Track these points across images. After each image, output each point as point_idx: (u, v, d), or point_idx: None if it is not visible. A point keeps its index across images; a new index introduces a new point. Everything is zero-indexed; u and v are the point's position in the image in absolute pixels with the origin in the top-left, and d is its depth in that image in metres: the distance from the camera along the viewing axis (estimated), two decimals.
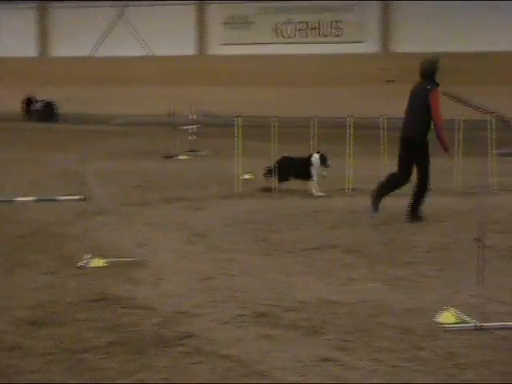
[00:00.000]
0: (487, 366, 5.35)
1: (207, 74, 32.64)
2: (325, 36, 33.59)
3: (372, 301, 6.84)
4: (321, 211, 11.34)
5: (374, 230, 9.92)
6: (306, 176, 12.91)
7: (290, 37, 33.91)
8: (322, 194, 12.75)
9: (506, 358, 5.51)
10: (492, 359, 5.47)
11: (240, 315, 6.38)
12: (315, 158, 12.93)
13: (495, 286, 7.16)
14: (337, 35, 33.42)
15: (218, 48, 34.48)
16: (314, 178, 12.89)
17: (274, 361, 5.39)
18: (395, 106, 26.84)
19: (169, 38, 33.87)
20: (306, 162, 12.93)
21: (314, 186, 12.82)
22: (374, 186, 10.98)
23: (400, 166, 10.40)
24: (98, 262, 8.02)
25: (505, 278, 7.55)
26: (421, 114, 10.10)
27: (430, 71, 10.16)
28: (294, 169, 12.99)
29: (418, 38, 30.98)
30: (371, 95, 29.49)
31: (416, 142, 10.24)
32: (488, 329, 6.05)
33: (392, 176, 10.62)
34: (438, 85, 10.34)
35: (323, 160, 12.97)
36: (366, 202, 12.01)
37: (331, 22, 33.45)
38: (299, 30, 33.89)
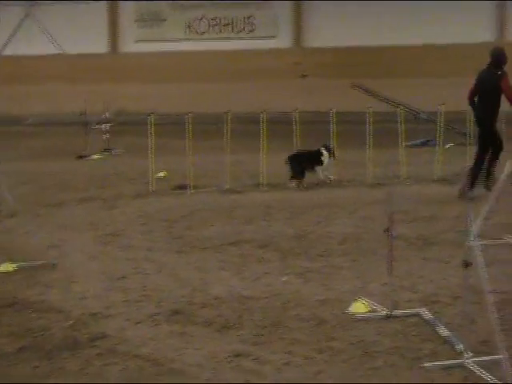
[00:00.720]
0: (397, 352, 5.48)
1: (120, 71, 32.26)
2: (238, 32, 33.65)
3: (286, 294, 6.90)
4: (236, 207, 11.37)
5: (287, 224, 10.00)
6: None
7: (203, 33, 33.83)
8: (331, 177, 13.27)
9: (415, 343, 5.65)
10: (402, 345, 5.60)
11: (154, 314, 6.35)
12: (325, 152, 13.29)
13: (405, 275, 7.34)
14: (250, 31, 33.52)
15: (132, 45, 34.12)
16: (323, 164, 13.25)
17: (187, 358, 5.38)
18: (308, 101, 27.21)
19: (81, 35, 33.30)
20: (317, 154, 13.25)
21: (320, 171, 13.21)
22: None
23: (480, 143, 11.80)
24: (7, 267, 7.84)
25: (414, 266, 7.74)
26: (491, 98, 11.49)
27: (499, 60, 11.52)
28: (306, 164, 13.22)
29: (331, 33, 31.39)
30: (284, 90, 29.68)
31: (487, 126, 11.66)
32: (398, 316, 6.19)
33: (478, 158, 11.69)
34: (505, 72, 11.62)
35: (330, 154, 13.37)
36: (280, 196, 12.16)
37: (244, 17, 33.54)
38: (212, 26, 33.85)
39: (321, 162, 13.23)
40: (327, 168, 13.39)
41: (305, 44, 32.94)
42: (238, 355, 5.45)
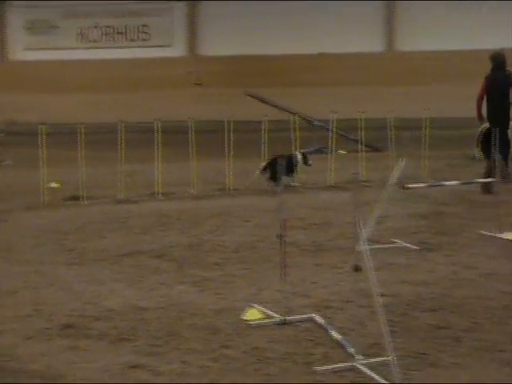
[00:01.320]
0: (291, 358, 5.56)
1: (9, 80, 31.41)
2: (132, 40, 33.39)
3: (181, 304, 6.89)
4: (130, 217, 11.26)
5: (183, 234, 9.98)
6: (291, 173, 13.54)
7: (95, 41, 33.39)
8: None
9: (308, 348, 5.74)
10: (295, 351, 5.68)
11: (45, 328, 6.21)
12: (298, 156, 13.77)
13: (299, 281, 7.45)
14: (144, 39, 33.32)
15: (21, 53, 33.31)
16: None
17: (80, 372, 5.29)
18: (203, 109, 27.20)
19: None
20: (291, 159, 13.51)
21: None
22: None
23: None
24: None
25: (307, 272, 7.87)
26: (504, 99, 12.36)
27: (503, 62, 12.40)
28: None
29: (226, 42, 31.57)
30: (179, 99, 29.63)
31: (503, 124, 12.32)
32: (292, 322, 6.28)
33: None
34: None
35: (304, 158, 13.78)
36: (176, 205, 12.12)
37: (138, 26, 33.31)
38: (105, 34, 33.46)
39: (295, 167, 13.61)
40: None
41: (200, 53, 33.00)
42: (132, 367, 5.40)
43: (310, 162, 13.91)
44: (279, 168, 12.60)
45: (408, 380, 5.09)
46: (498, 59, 12.70)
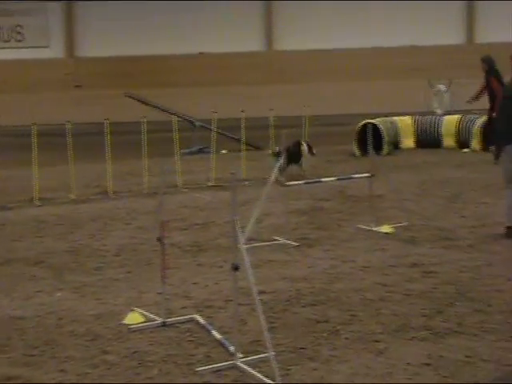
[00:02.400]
0: (172, 359, 5.52)
1: None
2: (6, 41, 32.40)
3: (60, 311, 6.73)
4: (6, 224, 10.90)
5: (62, 239, 9.76)
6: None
7: None
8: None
9: (189, 349, 5.72)
10: (176, 353, 5.65)
11: None
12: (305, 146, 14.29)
13: (180, 282, 7.43)
14: (19, 40, 32.39)
15: None
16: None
17: None
18: (83, 111, 26.71)
19: None
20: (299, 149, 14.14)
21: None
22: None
23: None
24: None
25: (189, 272, 7.85)
26: None
27: (493, 65, 12.08)
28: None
29: (104, 42, 31.12)
30: (57, 101, 29.00)
31: None
32: (173, 324, 6.25)
33: None
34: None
35: (310, 149, 14.30)
36: (54, 210, 11.83)
37: (12, 26, 32.34)
38: None
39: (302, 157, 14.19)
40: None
41: (78, 54, 32.40)
42: (8, 378, 5.23)
43: (315, 151, 14.48)
44: (291, 156, 13.49)
45: (286, 375, 5.16)
46: (489, 63, 12.91)
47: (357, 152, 16.95)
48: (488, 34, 29.40)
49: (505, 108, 8.91)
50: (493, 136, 9.90)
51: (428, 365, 5.32)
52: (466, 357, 5.44)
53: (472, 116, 18.16)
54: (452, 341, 5.77)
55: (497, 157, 9.56)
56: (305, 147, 14.29)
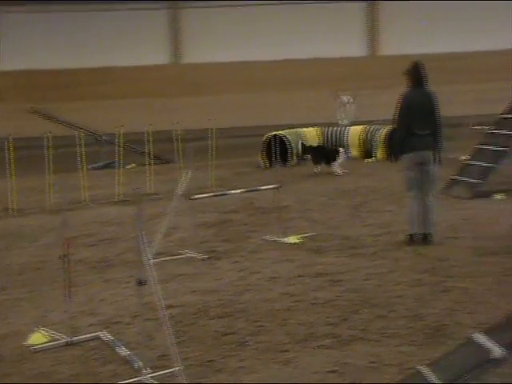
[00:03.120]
0: (77, 378, 5.44)
1: None
2: None
3: None
4: None
5: None
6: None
7: None
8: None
9: (96, 367, 5.65)
10: (82, 371, 5.57)
11: None
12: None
13: (86, 299, 7.33)
14: None
15: None
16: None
17: None
18: None
19: None
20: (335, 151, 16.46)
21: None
22: None
23: None
24: None
25: (95, 289, 7.76)
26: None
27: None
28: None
29: (12, 56, 30.42)
30: None
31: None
32: (78, 342, 6.16)
33: None
34: None
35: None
36: None
37: None
38: None
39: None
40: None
41: None
42: None
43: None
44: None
45: None
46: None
47: (264, 164, 17.11)
48: (391, 46, 30.20)
49: (403, 119, 9.17)
50: (392, 146, 10.05)
51: (334, 372, 5.42)
52: (370, 362, 5.56)
53: (376, 126, 18.62)
54: (357, 347, 5.89)
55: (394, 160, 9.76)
56: (341, 149, 16.34)
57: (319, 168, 16.32)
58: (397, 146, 9.39)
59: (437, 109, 9.14)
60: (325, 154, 16.50)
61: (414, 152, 9.02)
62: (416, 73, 9.16)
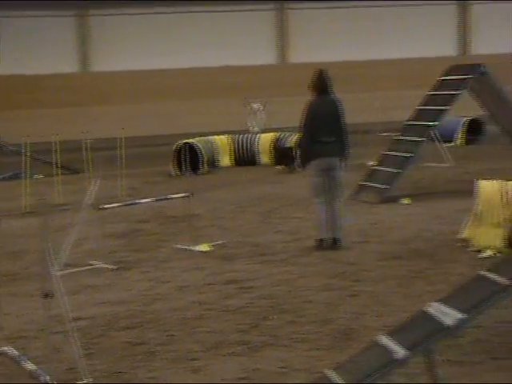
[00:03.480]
0: None
1: None
2: None
3: None
4: None
5: None
6: None
7: None
8: None
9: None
10: None
11: None
12: None
13: None
14: None
15: None
16: None
17: None
18: None
19: None
20: None
21: None
22: None
23: None
24: None
25: (1, 303, 7.55)
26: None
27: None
28: None
29: None
30: None
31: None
32: None
33: None
34: None
35: None
36: None
37: None
38: None
39: None
40: None
41: None
42: None
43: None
44: None
45: None
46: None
47: (175, 172, 17.05)
48: (301, 54, 30.60)
49: (308, 126, 9.30)
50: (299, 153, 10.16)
51: (244, 378, 5.45)
52: (280, 368, 5.62)
53: (287, 133, 18.80)
54: (267, 353, 5.94)
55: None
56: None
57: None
58: (303, 153, 9.55)
59: (341, 116, 9.28)
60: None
61: (320, 159, 9.16)
62: (320, 81, 9.27)
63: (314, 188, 9.42)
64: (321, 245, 9.28)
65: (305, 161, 9.45)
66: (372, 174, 13.36)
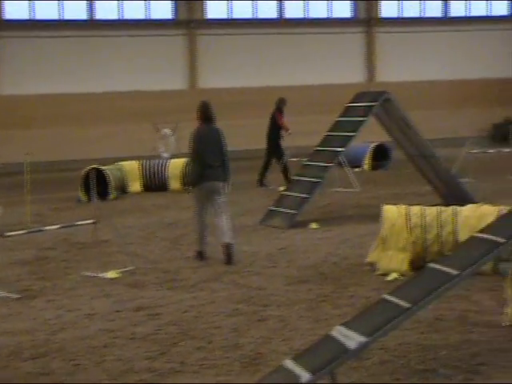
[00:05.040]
0: None
1: None
2: None
3: None
4: None
5: None
6: None
7: None
8: None
9: None
10: None
11: None
12: None
13: None
14: None
15: None
16: None
17: None
18: None
19: None
20: None
21: None
22: None
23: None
24: None
25: None
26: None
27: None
28: None
29: None
30: None
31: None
32: None
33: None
34: None
35: None
36: None
37: None
38: None
39: None
40: None
41: None
42: None
43: None
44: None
45: None
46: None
47: (83, 198, 16.80)
48: (209, 79, 30.69)
49: (195, 152, 10.21)
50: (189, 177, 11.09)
51: None
52: None
53: None
54: (175, 380, 5.91)
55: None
56: None
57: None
58: (195, 176, 10.34)
59: (223, 143, 10.28)
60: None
61: (206, 182, 10.11)
62: (204, 111, 10.31)
63: (198, 205, 10.30)
64: (199, 256, 10.27)
65: (195, 183, 10.30)
66: (282, 200, 13.51)
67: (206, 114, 10.29)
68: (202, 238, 10.33)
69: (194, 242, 10.53)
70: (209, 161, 10.09)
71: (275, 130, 18.48)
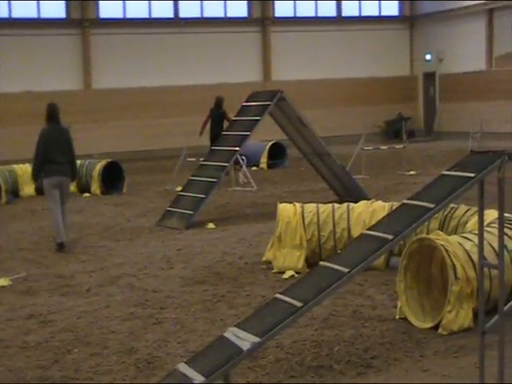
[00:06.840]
0: None
1: None
2: None
3: None
4: None
5: None
6: None
7: None
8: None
9: None
10: None
11: None
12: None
13: None
14: None
15: None
16: None
17: None
18: None
19: None
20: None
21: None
22: None
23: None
24: None
25: None
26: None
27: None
28: None
29: None
30: None
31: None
32: None
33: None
34: None
35: None
36: None
37: None
38: None
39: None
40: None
41: None
42: None
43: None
44: None
45: None
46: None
47: None
48: (104, 80, 30.19)
49: (41, 150, 10.93)
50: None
51: None
52: None
53: (92, 161, 18.52)
54: None
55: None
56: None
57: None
58: (36, 172, 11.15)
59: (69, 142, 11.15)
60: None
61: (54, 176, 10.93)
62: (51, 112, 11.07)
63: (50, 200, 11.17)
64: (60, 247, 10.94)
65: (39, 178, 11.13)
66: (179, 200, 13.43)
67: (52, 115, 11.05)
68: (61, 227, 10.96)
69: (55, 235, 11.12)
70: (57, 158, 10.87)
71: (221, 129, 17.92)
